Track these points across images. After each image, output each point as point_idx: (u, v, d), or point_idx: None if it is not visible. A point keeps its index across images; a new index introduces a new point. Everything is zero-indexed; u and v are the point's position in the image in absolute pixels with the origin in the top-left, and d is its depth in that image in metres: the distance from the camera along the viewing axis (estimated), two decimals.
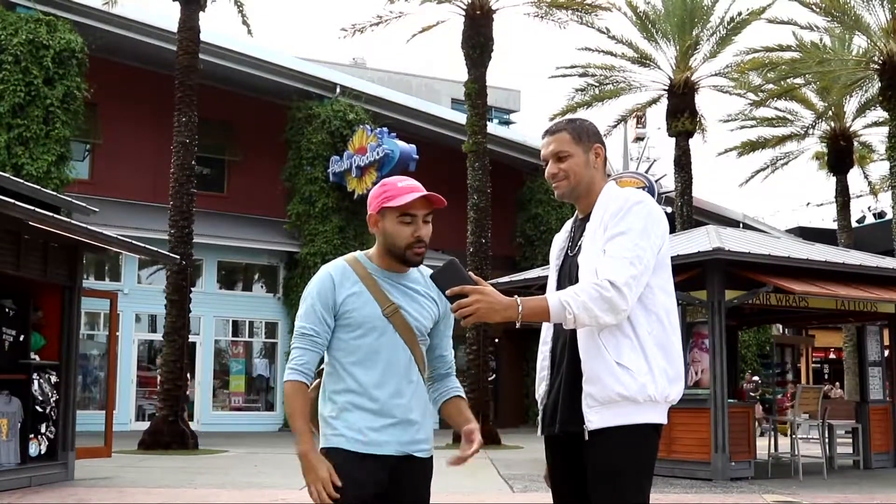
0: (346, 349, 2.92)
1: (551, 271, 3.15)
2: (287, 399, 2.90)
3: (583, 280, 2.83)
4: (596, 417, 2.81)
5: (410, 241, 2.91)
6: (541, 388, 3.06)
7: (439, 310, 3.03)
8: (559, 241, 3.17)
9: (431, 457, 2.99)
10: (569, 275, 3.00)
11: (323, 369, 3.04)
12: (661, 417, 2.89)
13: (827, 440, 12.46)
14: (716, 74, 23.98)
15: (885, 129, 21.89)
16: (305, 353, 2.90)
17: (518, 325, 2.78)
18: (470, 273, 2.72)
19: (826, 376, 33.84)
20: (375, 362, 2.89)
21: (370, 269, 2.96)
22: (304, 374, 2.89)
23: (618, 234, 2.84)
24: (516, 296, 2.75)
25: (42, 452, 10.08)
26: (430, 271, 3.00)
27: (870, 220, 32.55)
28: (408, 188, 2.92)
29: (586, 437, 2.83)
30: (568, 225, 3.18)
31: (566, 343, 2.95)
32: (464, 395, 3.13)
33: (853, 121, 26.12)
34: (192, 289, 16.78)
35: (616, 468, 2.81)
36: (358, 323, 2.90)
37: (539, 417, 3.08)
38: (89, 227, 10.21)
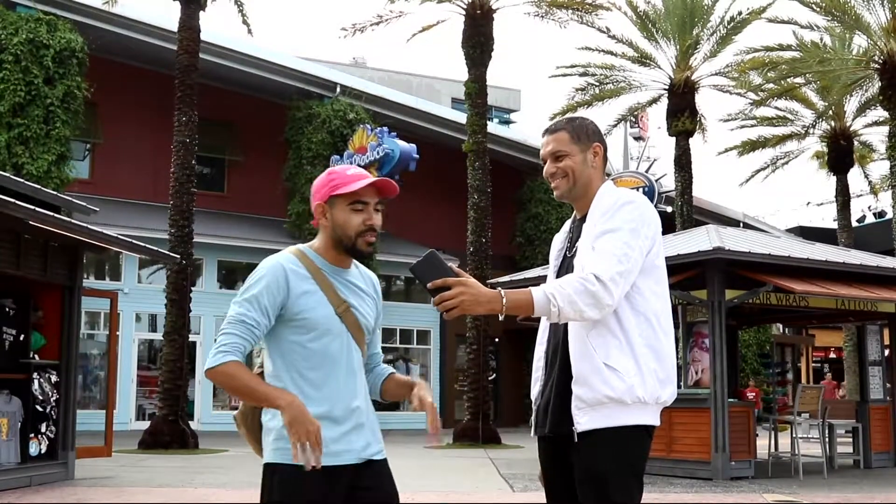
0: (301, 353, 2.69)
1: (550, 272, 3.14)
2: (230, 379, 2.58)
3: (568, 275, 2.82)
4: (584, 419, 2.80)
5: (362, 229, 2.73)
6: (535, 389, 3.06)
7: (377, 308, 2.91)
8: (558, 242, 3.17)
9: (386, 458, 2.84)
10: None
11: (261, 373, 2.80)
12: (650, 419, 2.86)
13: (827, 440, 12.46)
14: (716, 74, 23.98)
15: (885, 129, 21.89)
16: (240, 339, 2.61)
17: (501, 318, 2.75)
18: (451, 265, 2.67)
19: (826, 376, 33.85)
20: (333, 366, 2.71)
21: (319, 264, 2.76)
22: (238, 356, 2.60)
23: (606, 231, 2.83)
24: (500, 288, 2.72)
25: (42, 452, 10.08)
26: (366, 270, 2.93)
27: (870, 219, 32.53)
28: (358, 175, 2.76)
29: (575, 439, 2.82)
30: (567, 225, 3.17)
31: (559, 344, 2.94)
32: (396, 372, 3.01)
33: (853, 120, 26.11)
34: (193, 288, 16.79)
35: (603, 470, 2.79)
36: (313, 325, 2.69)
37: (532, 418, 3.08)
38: (89, 226, 10.21)
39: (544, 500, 3.08)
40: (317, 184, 2.80)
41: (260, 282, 2.69)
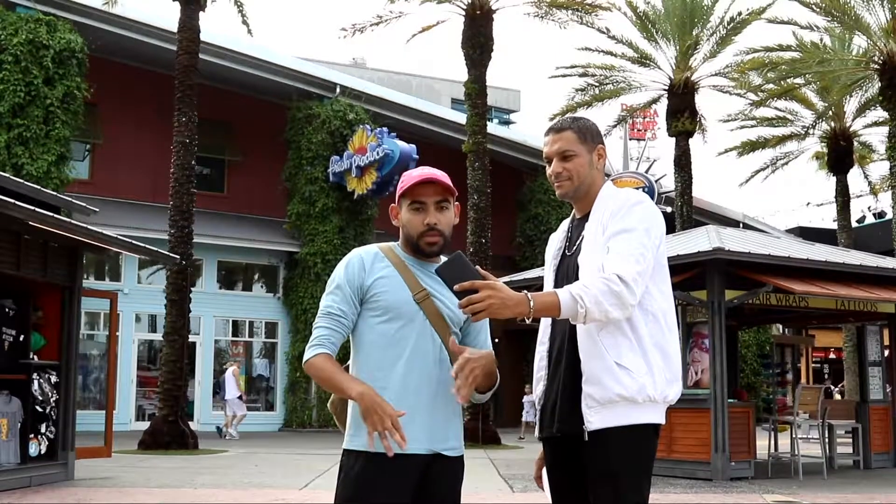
0: (371, 336, 2.77)
1: (547, 271, 3.13)
2: (317, 371, 2.71)
3: (588, 276, 2.80)
4: (596, 418, 2.80)
5: (422, 230, 2.79)
6: (538, 389, 3.05)
7: None
8: (556, 241, 3.16)
9: (462, 456, 2.87)
10: (566, 275, 2.99)
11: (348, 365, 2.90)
12: (659, 418, 2.88)
13: (827, 440, 12.46)
14: (716, 74, 23.98)
15: (885, 129, 21.89)
16: (330, 331, 2.75)
17: (528, 321, 2.71)
18: (477, 267, 2.63)
19: (826, 376, 33.85)
20: (405, 350, 2.74)
21: (402, 257, 2.85)
22: (328, 348, 2.73)
23: (621, 231, 2.83)
24: (526, 291, 2.70)
25: (42, 452, 10.07)
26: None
27: (870, 220, 32.55)
28: (420, 175, 2.81)
29: (586, 438, 2.82)
30: (564, 224, 3.16)
31: (564, 343, 2.94)
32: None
33: (853, 121, 26.11)
34: (192, 289, 16.79)
35: (616, 469, 2.80)
36: (385, 307, 2.76)
37: (537, 418, 3.07)
38: (89, 227, 10.20)
39: (544, 501, 3.07)
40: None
41: (339, 272, 2.83)
